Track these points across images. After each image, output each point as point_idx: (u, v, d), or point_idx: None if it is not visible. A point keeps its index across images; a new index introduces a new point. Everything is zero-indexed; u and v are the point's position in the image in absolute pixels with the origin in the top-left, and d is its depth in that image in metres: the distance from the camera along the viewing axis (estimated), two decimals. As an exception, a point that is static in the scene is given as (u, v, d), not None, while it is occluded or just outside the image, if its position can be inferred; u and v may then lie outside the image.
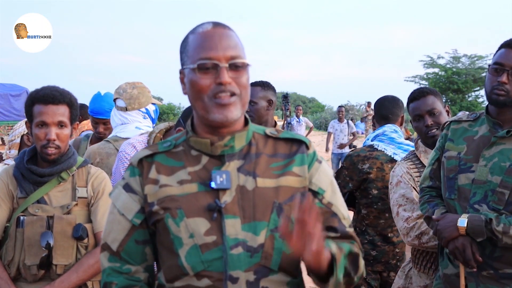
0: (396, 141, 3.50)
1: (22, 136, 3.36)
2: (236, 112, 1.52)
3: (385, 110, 3.57)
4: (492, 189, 2.39)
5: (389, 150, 3.47)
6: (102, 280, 1.61)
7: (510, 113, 2.45)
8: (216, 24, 1.55)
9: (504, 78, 2.40)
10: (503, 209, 2.37)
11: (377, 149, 3.48)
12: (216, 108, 1.51)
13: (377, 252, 3.51)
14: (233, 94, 1.51)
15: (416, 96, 3.03)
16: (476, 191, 2.42)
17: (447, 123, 2.65)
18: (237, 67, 1.52)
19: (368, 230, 3.53)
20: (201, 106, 1.53)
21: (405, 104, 3.39)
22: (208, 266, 1.49)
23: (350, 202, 3.58)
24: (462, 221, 2.37)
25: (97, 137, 3.81)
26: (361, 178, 3.47)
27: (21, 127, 3.38)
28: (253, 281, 1.48)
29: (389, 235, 3.52)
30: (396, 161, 3.40)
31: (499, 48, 2.48)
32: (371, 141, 3.58)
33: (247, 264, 1.48)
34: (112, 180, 2.89)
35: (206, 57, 1.51)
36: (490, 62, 2.52)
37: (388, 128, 3.54)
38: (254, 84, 3.40)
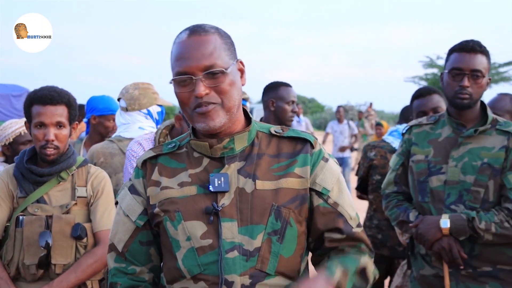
0: None
1: (1, 146, 3.31)
2: (218, 119, 1.51)
3: (407, 113, 3.89)
4: (466, 188, 2.44)
5: (395, 143, 3.81)
6: (108, 280, 1.63)
7: (470, 113, 2.53)
8: (192, 32, 1.51)
9: (466, 82, 2.46)
10: (480, 207, 2.43)
11: (385, 141, 3.87)
12: (198, 117, 1.51)
13: (382, 236, 3.78)
14: (212, 103, 1.50)
15: (422, 93, 3.12)
16: (450, 191, 2.47)
17: (408, 128, 2.70)
18: (214, 75, 1.49)
19: (376, 215, 3.82)
20: (187, 115, 1.55)
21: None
22: (204, 270, 1.49)
23: (364, 189, 3.97)
24: (445, 222, 2.42)
25: (103, 136, 3.76)
26: (368, 164, 3.82)
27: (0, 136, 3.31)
28: (248, 285, 1.47)
29: None
30: None
31: (450, 53, 2.54)
32: (387, 135, 3.98)
33: (242, 268, 1.47)
34: (124, 179, 2.91)
35: (180, 71, 1.50)
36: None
37: (402, 126, 3.84)
38: (290, 85, 3.58)
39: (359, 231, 1.59)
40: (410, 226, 2.54)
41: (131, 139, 3.20)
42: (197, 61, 1.48)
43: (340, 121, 11.64)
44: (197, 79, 1.48)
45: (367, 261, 1.57)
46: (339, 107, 12.12)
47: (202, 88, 1.48)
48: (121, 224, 1.61)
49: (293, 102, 3.50)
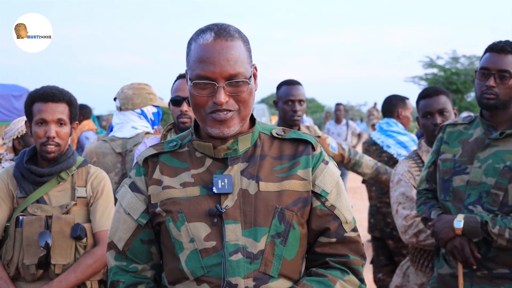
0: (383, 129, 4.37)
1: (13, 140, 3.34)
2: (234, 127, 1.50)
3: (381, 108, 4.53)
4: (486, 190, 2.43)
5: (374, 135, 4.41)
6: (109, 278, 1.61)
7: (503, 115, 2.51)
8: (218, 35, 1.48)
9: (491, 82, 2.45)
10: (498, 210, 2.41)
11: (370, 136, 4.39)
12: (213, 123, 1.50)
13: (374, 220, 4.33)
14: (230, 111, 1.49)
15: (429, 93, 3.08)
16: (471, 192, 2.46)
17: (443, 127, 2.69)
18: (237, 83, 1.48)
19: (370, 201, 4.41)
20: (200, 118, 1.53)
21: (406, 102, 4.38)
22: (208, 272, 1.49)
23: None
24: (458, 223, 2.41)
25: None
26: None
27: (11, 131, 3.34)
28: None
29: (378, 205, 4.35)
30: (377, 143, 4.37)
31: (484, 53, 2.53)
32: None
33: (246, 271, 1.47)
34: None
35: (203, 75, 1.47)
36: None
37: (382, 120, 4.46)
38: (299, 83, 3.42)
39: (353, 235, 1.58)
40: (428, 225, 2.56)
41: (124, 138, 3.23)
42: (222, 68, 1.46)
43: (338, 121, 10.13)
44: (219, 86, 1.47)
45: (344, 286, 1.53)
46: (338, 105, 10.42)
47: (223, 96, 1.47)
48: (122, 222, 1.60)
49: (292, 101, 3.33)
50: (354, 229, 1.59)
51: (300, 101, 3.36)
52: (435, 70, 23.96)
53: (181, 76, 2.89)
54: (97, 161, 3.19)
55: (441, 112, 3.03)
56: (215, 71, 1.46)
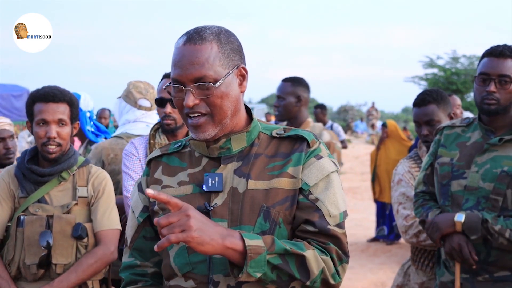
0: None
1: None
2: (209, 131, 1.52)
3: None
4: (484, 195, 2.42)
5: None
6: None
7: (501, 120, 2.50)
8: (188, 39, 1.50)
9: (492, 87, 2.44)
10: (499, 215, 2.40)
11: None
12: (190, 127, 1.53)
13: None
14: (202, 114, 1.51)
15: (417, 102, 3.00)
16: (469, 197, 2.46)
17: (440, 129, 2.67)
18: (203, 86, 1.48)
19: None
20: (183, 119, 1.56)
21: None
22: (193, 269, 1.51)
23: None
24: (460, 216, 2.42)
25: None
26: None
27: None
28: (234, 286, 1.47)
29: None
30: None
31: (482, 58, 2.51)
32: None
33: (228, 269, 1.46)
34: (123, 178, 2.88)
35: (174, 78, 1.51)
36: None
37: None
38: (285, 80, 3.57)
39: (337, 230, 1.52)
40: (427, 221, 2.53)
41: (139, 135, 3.16)
42: (187, 71, 1.48)
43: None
44: (187, 89, 1.49)
45: (316, 256, 1.46)
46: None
47: (191, 99, 1.48)
48: (130, 219, 1.67)
49: (277, 97, 3.60)
50: (340, 226, 1.54)
51: (278, 97, 3.59)
52: (435, 70, 23.95)
53: (166, 76, 2.89)
54: (115, 157, 3.10)
55: (429, 123, 2.94)
56: (182, 74, 1.49)
